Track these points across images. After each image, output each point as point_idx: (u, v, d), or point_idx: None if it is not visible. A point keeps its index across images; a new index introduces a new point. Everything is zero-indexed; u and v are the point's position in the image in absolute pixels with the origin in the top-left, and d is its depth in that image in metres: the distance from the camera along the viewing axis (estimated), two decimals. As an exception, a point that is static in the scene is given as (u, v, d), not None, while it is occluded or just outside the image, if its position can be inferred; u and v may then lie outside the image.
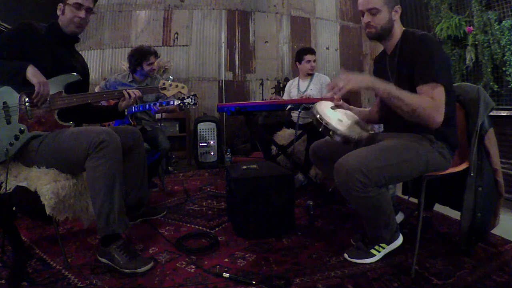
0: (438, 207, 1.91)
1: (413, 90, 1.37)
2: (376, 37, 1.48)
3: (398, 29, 1.48)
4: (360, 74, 1.39)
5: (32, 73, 1.39)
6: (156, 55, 2.65)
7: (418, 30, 1.42)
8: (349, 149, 1.43)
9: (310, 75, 3.04)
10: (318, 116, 1.48)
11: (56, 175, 1.43)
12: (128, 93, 1.69)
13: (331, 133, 1.47)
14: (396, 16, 1.45)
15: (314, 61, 3.00)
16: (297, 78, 3.14)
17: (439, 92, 1.30)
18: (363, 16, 1.47)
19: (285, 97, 3.21)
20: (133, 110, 2.52)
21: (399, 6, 1.45)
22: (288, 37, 4.78)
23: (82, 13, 1.55)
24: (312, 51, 3.02)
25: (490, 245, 1.60)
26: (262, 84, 4.43)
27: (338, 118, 1.56)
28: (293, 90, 3.11)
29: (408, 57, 1.40)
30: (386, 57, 1.56)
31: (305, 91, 2.98)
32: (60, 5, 1.55)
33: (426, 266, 1.42)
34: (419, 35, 1.39)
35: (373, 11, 1.42)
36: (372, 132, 1.65)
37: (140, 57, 2.58)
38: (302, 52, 3.02)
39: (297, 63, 3.06)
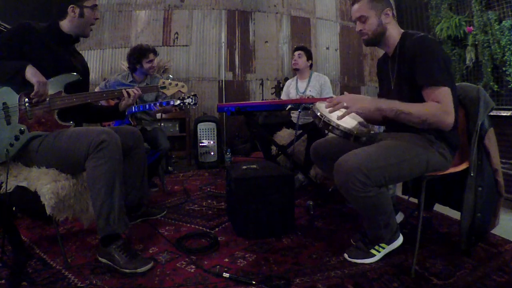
0: (438, 207, 1.91)
1: (413, 91, 1.37)
2: (370, 43, 1.52)
3: (395, 32, 1.49)
4: (364, 97, 1.42)
5: (31, 73, 1.39)
6: (155, 52, 2.65)
7: (417, 32, 1.43)
8: (349, 149, 1.43)
9: (296, 69, 3.01)
10: (318, 113, 1.50)
11: (56, 175, 1.43)
12: (128, 92, 1.69)
13: (330, 127, 1.47)
14: (388, 19, 1.46)
15: (299, 55, 2.96)
16: (296, 77, 3.12)
17: (445, 94, 1.30)
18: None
19: (284, 97, 3.19)
20: (133, 110, 2.53)
21: (389, 8, 1.46)
22: (288, 37, 4.78)
23: (98, 13, 1.62)
24: (297, 48, 3.01)
25: (490, 245, 1.60)
26: (262, 84, 4.43)
27: (338, 114, 1.58)
28: (292, 90, 3.08)
29: (408, 59, 1.40)
30: (388, 60, 1.56)
31: (303, 92, 2.96)
32: (75, 8, 1.55)
33: (426, 266, 1.42)
34: (418, 36, 1.39)
35: (362, 19, 1.47)
36: (372, 132, 1.65)
37: (139, 55, 2.59)
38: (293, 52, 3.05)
39: None
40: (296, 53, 2.98)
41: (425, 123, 1.32)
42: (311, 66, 3.04)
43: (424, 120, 1.31)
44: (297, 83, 3.07)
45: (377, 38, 1.49)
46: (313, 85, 2.96)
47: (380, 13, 1.45)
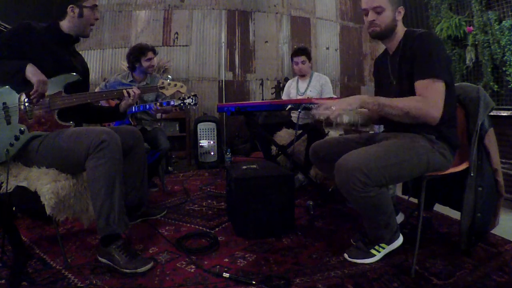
0: (438, 207, 1.91)
1: (414, 88, 1.37)
2: (379, 36, 1.49)
3: (401, 29, 1.49)
4: (350, 97, 1.42)
5: (31, 72, 1.39)
6: (154, 51, 2.65)
7: (420, 29, 1.43)
8: (349, 149, 1.43)
9: (303, 75, 2.98)
10: (316, 117, 1.51)
11: (56, 175, 1.43)
12: (128, 92, 1.70)
13: (334, 122, 1.48)
14: (399, 17, 1.46)
15: (303, 62, 2.89)
16: (296, 78, 3.11)
17: (435, 88, 1.30)
18: (366, 15, 1.47)
19: (284, 97, 3.18)
20: (133, 110, 2.53)
21: (402, 6, 1.46)
22: (288, 37, 4.77)
23: (97, 14, 1.62)
24: (299, 52, 2.91)
25: (490, 245, 1.60)
26: (262, 84, 4.43)
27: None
28: (292, 91, 3.08)
29: (409, 56, 1.40)
30: (387, 57, 1.56)
31: (304, 93, 2.95)
32: (74, 8, 1.55)
33: (426, 266, 1.42)
34: (420, 32, 1.39)
35: (378, 10, 1.43)
36: (372, 132, 1.65)
37: (138, 53, 2.59)
38: (292, 54, 2.98)
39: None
40: (299, 59, 2.89)
41: (409, 115, 1.32)
42: (311, 66, 3.03)
43: (407, 113, 1.32)
44: (297, 83, 3.06)
45: (387, 33, 1.47)
46: (313, 85, 2.95)
47: (395, 9, 1.44)
